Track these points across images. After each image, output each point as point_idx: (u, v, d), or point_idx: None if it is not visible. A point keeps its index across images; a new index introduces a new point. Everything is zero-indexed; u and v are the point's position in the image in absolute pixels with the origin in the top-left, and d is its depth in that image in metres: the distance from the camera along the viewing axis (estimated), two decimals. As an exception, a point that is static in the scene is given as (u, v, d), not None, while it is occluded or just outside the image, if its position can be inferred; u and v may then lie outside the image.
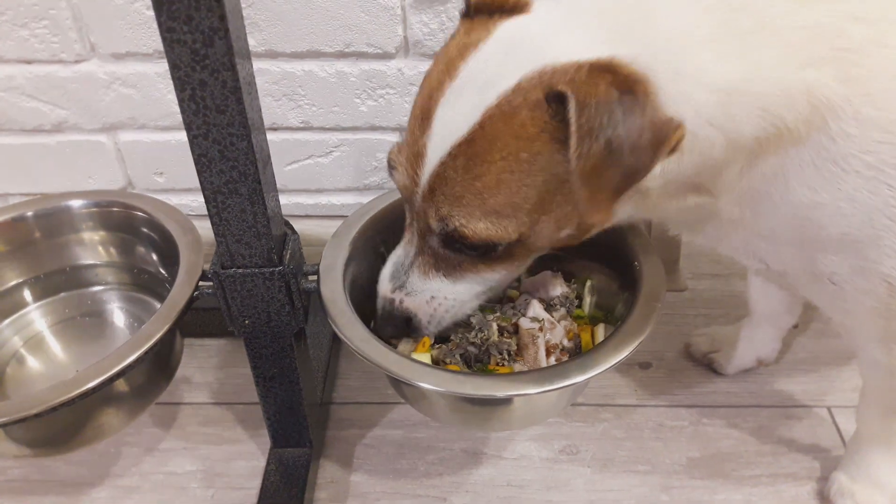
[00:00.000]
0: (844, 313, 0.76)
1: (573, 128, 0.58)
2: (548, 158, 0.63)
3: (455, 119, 0.65)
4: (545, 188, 0.65)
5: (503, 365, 0.86)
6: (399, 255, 0.79)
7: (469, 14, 0.70)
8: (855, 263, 0.68)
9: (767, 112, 0.61)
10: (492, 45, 0.65)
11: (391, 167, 0.73)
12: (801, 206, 0.66)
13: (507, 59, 0.64)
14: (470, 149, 0.64)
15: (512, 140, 0.63)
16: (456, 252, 0.73)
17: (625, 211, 0.70)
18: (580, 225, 0.70)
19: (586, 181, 0.60)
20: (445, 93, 0.66)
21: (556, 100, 0.60)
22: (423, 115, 0.68)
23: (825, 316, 0.81)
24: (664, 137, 0.59)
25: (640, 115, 0.58)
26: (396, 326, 0.80)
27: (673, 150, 0.60)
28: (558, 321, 0.90)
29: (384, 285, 0.80)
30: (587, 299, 0.95)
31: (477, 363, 0.86)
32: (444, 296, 0.78)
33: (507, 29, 0.66)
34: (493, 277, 0.77)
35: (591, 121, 0.58)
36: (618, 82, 0.58)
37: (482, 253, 0.72)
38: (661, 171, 0.64)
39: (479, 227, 0.67)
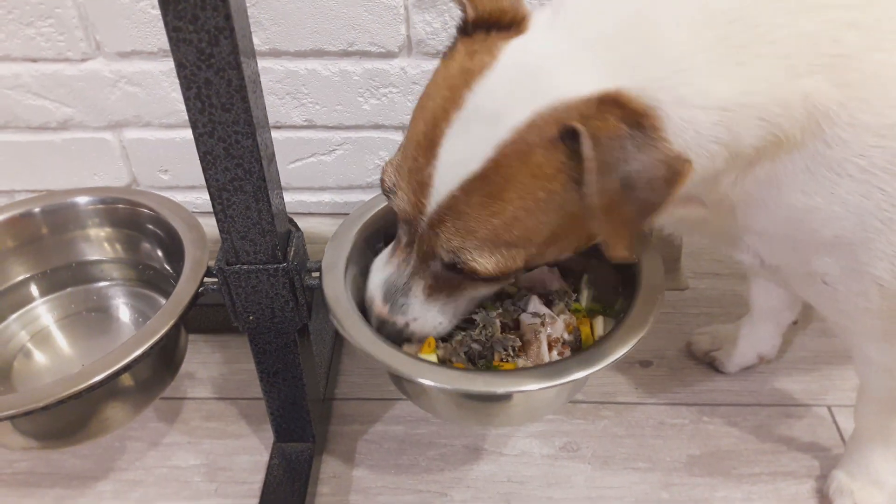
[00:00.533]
0: (838, 313, 0.76)
1: (588, 164, 0.58)
2: (563, 196, 0.63)
3: (465, 152, 0.64)
4: (558, 223, 0.66)
5: (507, 361, 0.87)
6: (391, 273, 0.78)
7: (466, 30, 0.69)
8: (847, 265, 0.69)
9: (766, 122, 0.62)
10: (498, 72, 0.64)
11: (388, 191, 0.73)
12: (795, 209, 0.67)
13: (516, 90, 0.63)
14: (485, 185, 0.64)
15: (529, 179, 0.63)
16: (459, 275, 0.73)
17: None
18: (577, 248, 0.72)
19: (605, 216, 0.61)
20: (452, 122, 0.65)
21: (569, 136, 0.60)
22: (427, 143, 0.67)
23: (821, 315, 0.81)
24: (677, 173, 0.59)
25: (651, 150, 0.58)
26: (393, 339, 0.80)
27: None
28: (557, 315, 0.90)
29: (377, 304, 0.79)
30: (584, 293, 0.96)
31: (481, 360, 0.87)
32: (450, 319, 0.80)
33: (512, 55, 0.65)
34: (490, 291, 0.81)
35: (605, 156, 0.58)
36: (626, 116, 0.59)
37: (486, 278, 0.72)
38: None
39: (489, 262, 0.68)
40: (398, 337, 0.80)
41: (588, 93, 0.60)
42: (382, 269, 0.79)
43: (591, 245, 0.73)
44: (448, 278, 0.75)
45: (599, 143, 0.58)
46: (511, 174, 0.63)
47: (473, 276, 0.71)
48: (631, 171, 0.58)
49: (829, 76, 0.60)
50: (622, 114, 0.59)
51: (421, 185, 0.68)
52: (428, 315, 0.78)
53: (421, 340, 0.81)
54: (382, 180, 0.73)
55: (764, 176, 0.66)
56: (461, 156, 0.65)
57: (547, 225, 0.66)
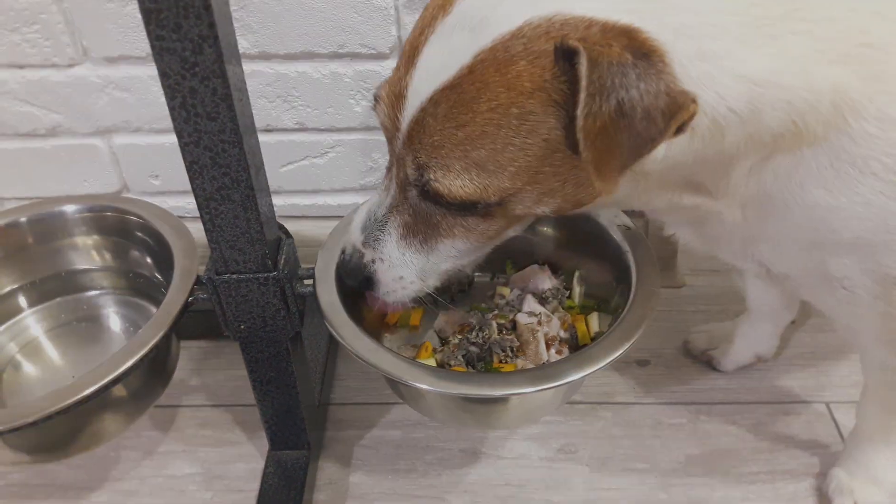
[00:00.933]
0: (851, 316, 0.74)
1: (583, 83, 0.54)
2: (540, 120, 0.58)
3: (441, 60, 0.59)
4: (533, 153, 0.60)
5: (506, 362, 0.86)
6: (374, 202, 0.73)
7: None
8: (867, 267, 0.67)
9: (792, 106, 0.58)
10: None
11: (376, 101, 0.68)
12: (816, 208, 0.64)
13: None
14: (454, 94, 0.59)
15: (503, 91, 0.58)
16: (435, 205, 0.67)
17: (622, 190, 0.66)
18: (561, 206, 0.66)
19: (592, 143, 0.56)
20: (436, 30, 0.60)
21: (563, 56, 0.55)
22: (410, 52, 0.62)
23: (830, 318, 0.79)
24: (679, 106, 0.54)
25: (655, 80, 0.54)
26: (357, 280, 0.76)
27: (683, 129, 0.57)
28: (551, 313, 0.90)
29: (355, 233, 0.75)
30: (576, 289, 0.96)
31: (479, 362, 0.87)
32: (412, 278, 0.74)
33: None
34: (467, 245, 0.71)
35: (603, 79, 0.53)
36: (633, 47, 0.54)
37: (460, 209, 0.66)
38: (666, 153, 0.60)
39: (455, 184, 0.62)
40: (360, 273, 0.75)
41: (594, 16, 0.56)
42: (371, 199, 0.74)
43: (582, 208, 0.68)
44: (424, 215, 0.69)
45: (598, 65, 0.53)
46: (484, 82, 0.58)
47: (440, 202, 0.65)
48: (628, 97, 0.54)
49: (857, 67, 0.58)
50: (629, 43, 0.54)
51: (398, 98, 0.63)
52: (395, 260, 0.73)
53: (382, 288, 0.75)
54: (374, 94, 0.68)
55: (783, 172, 0.63)
56: (437, 64, 0.60)
57: (520, 150, 0.60)
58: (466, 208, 0.66)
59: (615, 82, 0.53)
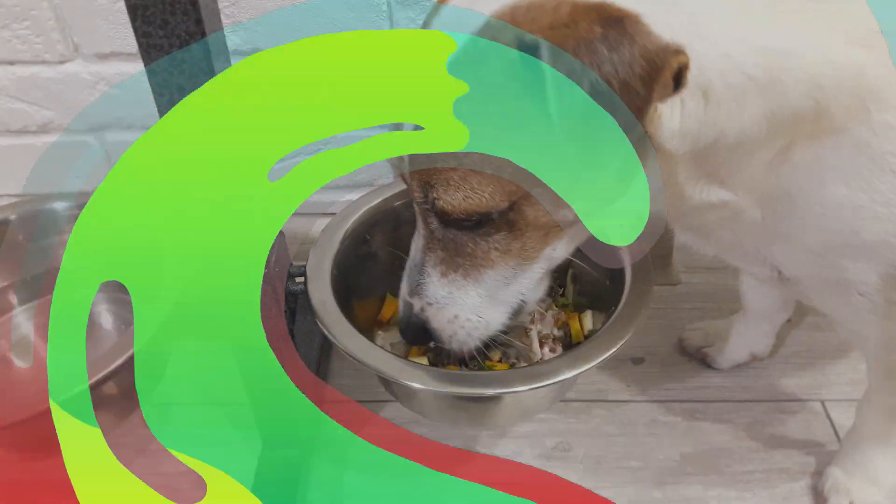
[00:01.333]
0: (863, 322, 0.71)
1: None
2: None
3: None
4: None
5: (500, 361, 0.86)
6: (412, 251, 0.72)
7: None
8: (884, 271, 0.64)
9: (813, 82, 0.55)
10: None
11: None
12: (835, 206, 0.61)
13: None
14: None
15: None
16: (458, 230, 0.65)
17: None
18: None
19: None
20: None
21: (528, 51, 0.52)
22: None
23: (834, 321, 0.78)
24: (659, 67, 0.51)
25: (628, 46, 0.51)
26: (417, 334, 0.73)
27: (679, 84, 0.53)
28: (545, 311, 0.90)
29: (403, 287, 0.73)
30: (570, 287, 0.95)
31: (472, 360, 0.86)
32: (467, 315, 0.70)
33: None
34: (509, 270, 0.68)
35: (571, 65, 0.51)
36: (602, 18, 0.51)
37: (479, 226, 0.64)
38: (681, 126, 0.57)
39: (457, 196, 0.60)
40: (412, 325, 0.72)
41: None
42: (410, 249, 0.72)
43: None
44: (455, 245, 0.66)
45: (562, 53, 0.51)
46: None
47: (456, 224, 0.64)
48: (602, 74, 0.50)
49: (877, 53, 0.55)
50: (598, 16, 0.51)
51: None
52: (442, 299, 0.69)
53: (439, 334, 0.72)
54: None
55: (803, 163, 0.60)
56: None
57: None
58: (483, 223, 0.63)
59: (585, 63, 0.51)
